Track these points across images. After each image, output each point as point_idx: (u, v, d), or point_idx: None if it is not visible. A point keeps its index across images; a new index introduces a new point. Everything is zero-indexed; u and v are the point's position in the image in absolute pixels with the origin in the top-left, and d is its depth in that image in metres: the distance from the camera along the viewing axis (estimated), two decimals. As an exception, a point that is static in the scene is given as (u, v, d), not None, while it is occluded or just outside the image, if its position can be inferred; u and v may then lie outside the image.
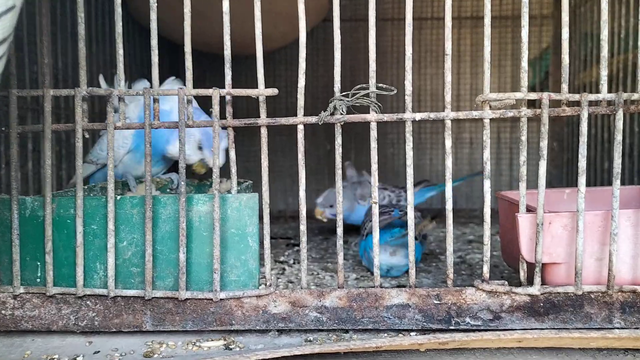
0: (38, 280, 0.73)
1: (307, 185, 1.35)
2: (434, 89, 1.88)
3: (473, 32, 1.85)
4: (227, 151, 0.74)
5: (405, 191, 1.44)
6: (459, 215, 1.83)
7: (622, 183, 1.29)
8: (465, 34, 1.86)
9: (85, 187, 0.88)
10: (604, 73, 0.68)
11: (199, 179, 1.08)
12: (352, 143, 1.88)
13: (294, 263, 1.19)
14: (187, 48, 0.69)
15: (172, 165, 1.07)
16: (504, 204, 0.85)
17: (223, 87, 0.71)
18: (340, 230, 0.72)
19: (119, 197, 0.72)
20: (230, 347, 0.70)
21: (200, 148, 0.96)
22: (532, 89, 1.84)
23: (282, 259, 1.24)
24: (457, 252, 1.28)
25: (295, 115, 0.72)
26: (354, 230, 1.51)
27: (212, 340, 0.72)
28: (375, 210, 0.72)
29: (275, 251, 1.33)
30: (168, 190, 1.02)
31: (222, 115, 0.71)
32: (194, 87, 0.71)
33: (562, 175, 1.78)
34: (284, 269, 1.13)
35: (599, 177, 1.48)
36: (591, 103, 0.68)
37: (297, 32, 0.70)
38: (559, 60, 1.78)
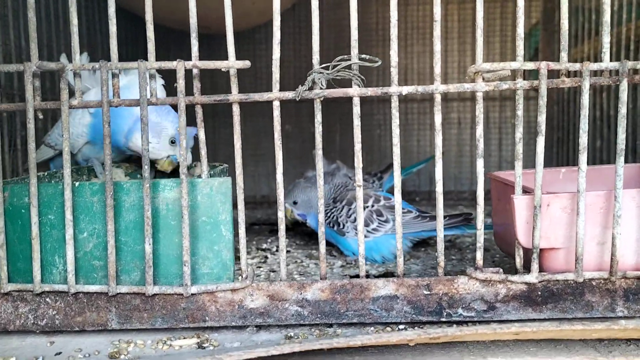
0: (-9, 276, 0.67)
1: (290, 169, 1.29)
2: (420, 68, 1.82)
3: (460, 7, 1.79)
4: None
5: (379, 179, 1.37)
6: (447, 197, 1.79)
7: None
8: (452, 10, 1.79)
9: (46, 173, 0.81)
10: (606, 40, 0.62)
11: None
12: (337, 124, 1.82)
13: (277, 251, 1.14)
14: (149, 16, 0.63)
15: (139, 160, 0.99)
16: (496, 185, 0.80)
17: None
18: (321, 217, 0.66)
19: (77, 184, 0.65)
20: (203, 345, 0.64)
21: (172, 142, 0.87)
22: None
23: (264, 246, 1.18)
24: (446, 236, 1.23)
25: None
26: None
27: (184, 338, 0.66)
28: (360, 194, 0.66)
29: (257, 238, 1.27)
30: (139, 176, 0.95)
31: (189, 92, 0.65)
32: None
33: (552, 156, 1.73)
34: (266, 257, 1.08)
35: (590, 156, 1.43)
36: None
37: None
38: (548, 37, 1.72)
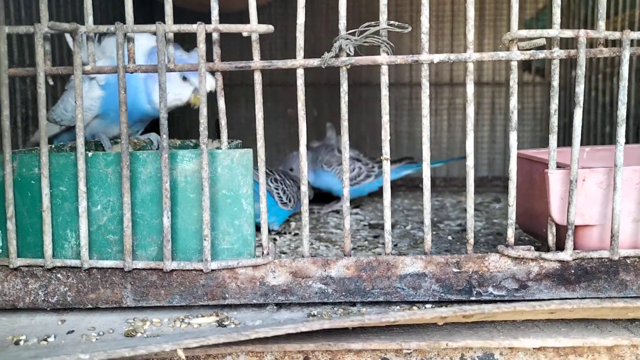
0: (-1, 250, 0.64)
1: (295, 151, 1.26)
2: (429, 50, 1.78)
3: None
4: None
5: (380, 166, 1.36)
6: (452, 184, 1.77)
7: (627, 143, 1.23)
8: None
9: (53, 145, 0.78)
10: (647, 9, 0.60)
11: (181, 138, 0.97)
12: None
13: (285, 233, 1.11)
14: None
15: (151, 124, 0.96)
16: (523, 163, 0.77)
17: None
18: (346, 191, 0.64)
19: (90, 154, 0.62)
20: (224, 323, 0.62)
21: (184, 79, 0.86)
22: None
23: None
24: (456, 221, 1.22)
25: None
26: (320, 196, 1.40)
27: (202, 316, 0.64)
28: (387, 168, 0.63)
29: (263, 221, 1.25)
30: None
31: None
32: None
33: (558, 142, 1.72)
34: (275, 239, 1.05)
35: (599, 142, 1.42)
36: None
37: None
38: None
